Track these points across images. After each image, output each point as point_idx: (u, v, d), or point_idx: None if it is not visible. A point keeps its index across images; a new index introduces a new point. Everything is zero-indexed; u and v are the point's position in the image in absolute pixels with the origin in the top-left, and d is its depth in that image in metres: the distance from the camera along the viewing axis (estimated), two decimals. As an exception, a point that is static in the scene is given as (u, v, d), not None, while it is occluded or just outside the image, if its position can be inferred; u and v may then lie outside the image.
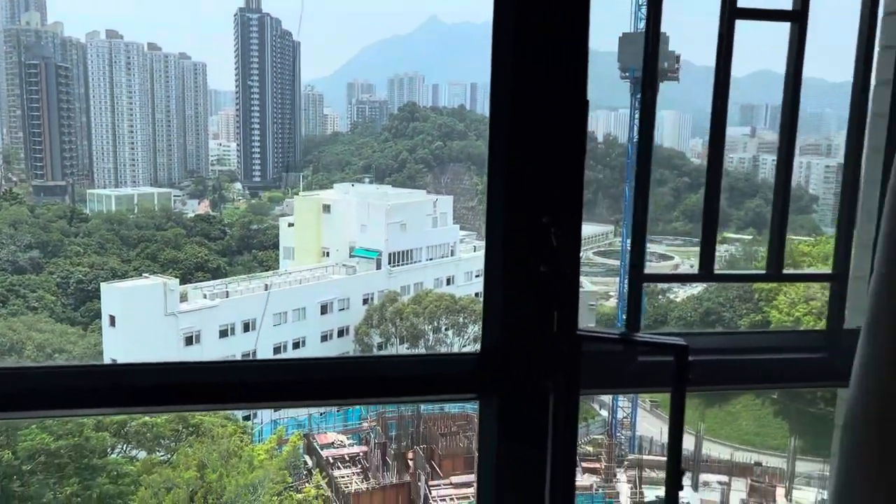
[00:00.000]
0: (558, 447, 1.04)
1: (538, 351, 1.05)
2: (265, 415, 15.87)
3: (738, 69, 1.23)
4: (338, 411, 15.55)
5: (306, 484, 13.41)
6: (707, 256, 1.19)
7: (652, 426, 18.06)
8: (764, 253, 1.19)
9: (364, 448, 15.05)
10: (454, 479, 14.06)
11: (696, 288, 17.62)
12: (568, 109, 1.00)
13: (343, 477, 13.96)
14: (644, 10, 1.19)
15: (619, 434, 17.74)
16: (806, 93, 1.23)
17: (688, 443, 15.97)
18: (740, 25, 1.12)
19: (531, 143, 1.03)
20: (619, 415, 18.00)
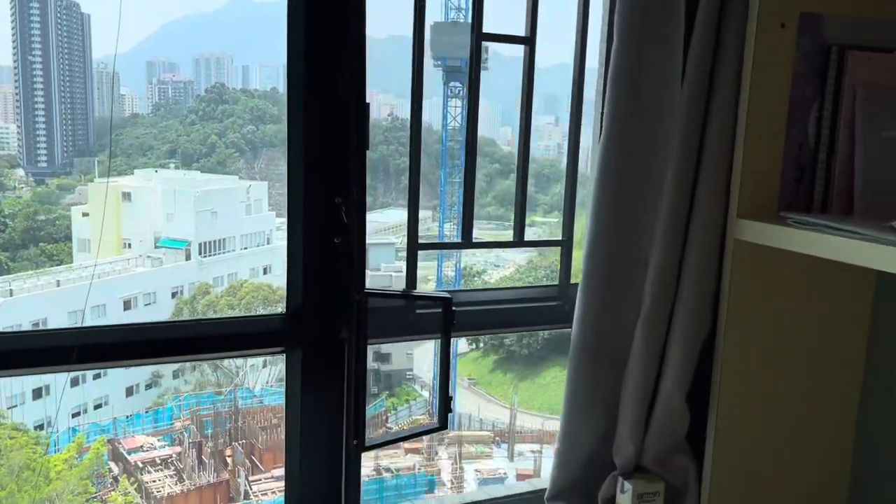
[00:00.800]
0: (352, 389, 1.30)
1: (334, 309, 1.30)
2: (62, 422, 14.74)
3: (542, 61, 1.53)
4: (146, 412, 14.79)
5: (112, 492, 12.71)
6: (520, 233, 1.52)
7: (470, 403, 19.16)
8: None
9: (178, 449, 14.51)
10: (275, 472, 14.04)
11: (508, 269, 18.81)
12: (352, 97, 1.24)
13: (154, 481, 13.40)
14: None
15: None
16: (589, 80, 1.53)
17: (504, 416, 17.21)
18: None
19: (323, 129, 1.26)
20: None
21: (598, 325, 1.37)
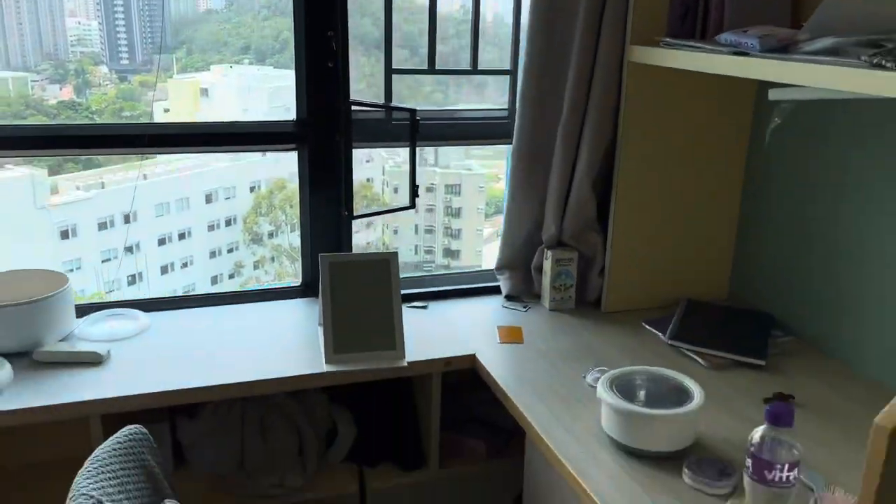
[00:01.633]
0: (342, 176, 1.82)
1: (330, 118, 1.81)
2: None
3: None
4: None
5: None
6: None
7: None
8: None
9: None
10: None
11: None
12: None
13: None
14: None
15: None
16: None
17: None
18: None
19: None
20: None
21: (532, 136, 1.83)
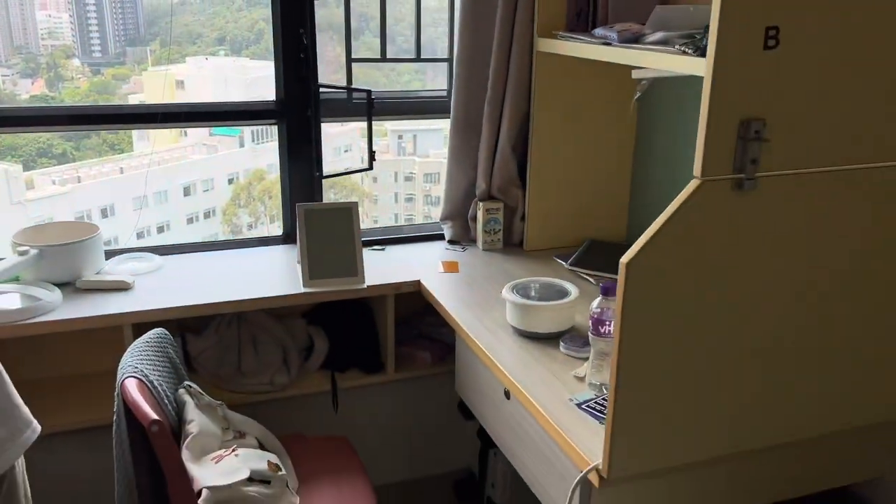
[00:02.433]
0: (314, 144, 2.30)
1: (303, 98, 2.28)
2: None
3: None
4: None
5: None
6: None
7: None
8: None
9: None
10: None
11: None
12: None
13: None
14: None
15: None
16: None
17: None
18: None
19: (293, -6, 2.20)
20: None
21: (465, 110, 2.32)
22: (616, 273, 1.18)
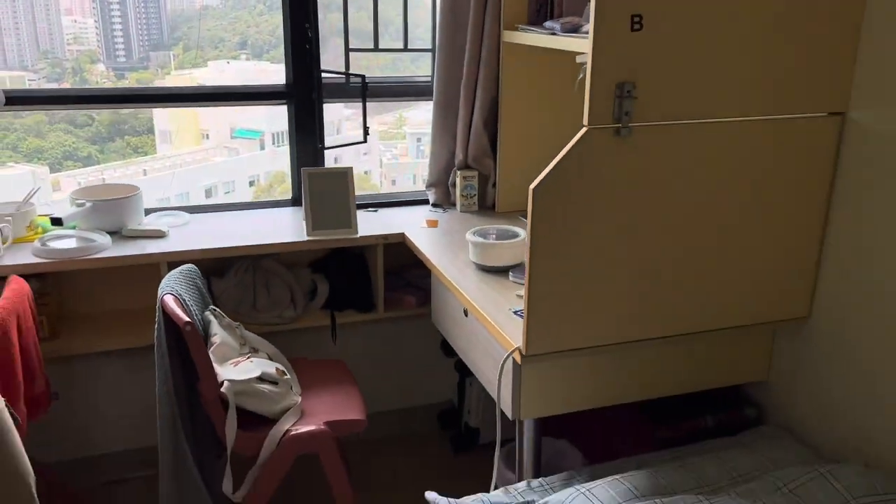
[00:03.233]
0: (317, 122, 2.76)
1: (308, 82, 2.74)
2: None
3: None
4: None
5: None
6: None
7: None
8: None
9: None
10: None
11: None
12: (316, -20, 2.64)
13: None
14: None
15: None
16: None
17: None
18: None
19: (300, -5, 2.66)
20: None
21: (445, 92, 2.76)
22: (524, 195, 1.61)
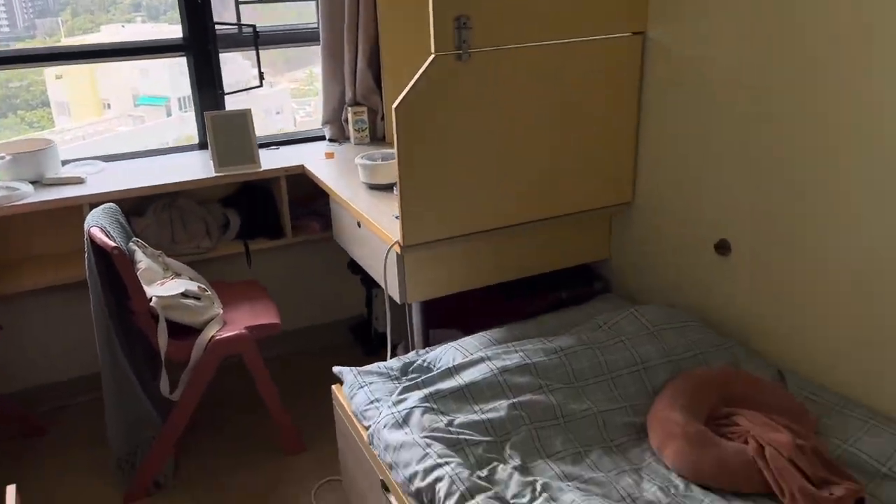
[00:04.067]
0: (215, 70, 3.04)
1: (204, 34, 3.02)
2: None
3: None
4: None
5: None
6: None
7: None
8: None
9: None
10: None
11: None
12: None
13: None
14: None
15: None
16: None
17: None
18: None
19: (189, -47, 2.92)
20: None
21: (331, 37, 3.09)
22: (386, 112, 1.99)
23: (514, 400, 1.83)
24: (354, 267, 3.14)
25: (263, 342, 2.58)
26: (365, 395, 1.96)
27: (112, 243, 2.28)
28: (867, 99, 1.66)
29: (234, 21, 3.06)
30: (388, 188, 2.58)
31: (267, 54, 3.15)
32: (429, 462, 1.65)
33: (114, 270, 2.34)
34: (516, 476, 1.64)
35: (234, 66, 3.75)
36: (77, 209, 2.67)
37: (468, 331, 2.75)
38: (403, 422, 1.79)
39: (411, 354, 2.21)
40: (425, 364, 2.05)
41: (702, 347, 2.01)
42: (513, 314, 2.54)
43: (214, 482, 2.56)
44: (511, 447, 1.75)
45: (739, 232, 2.05)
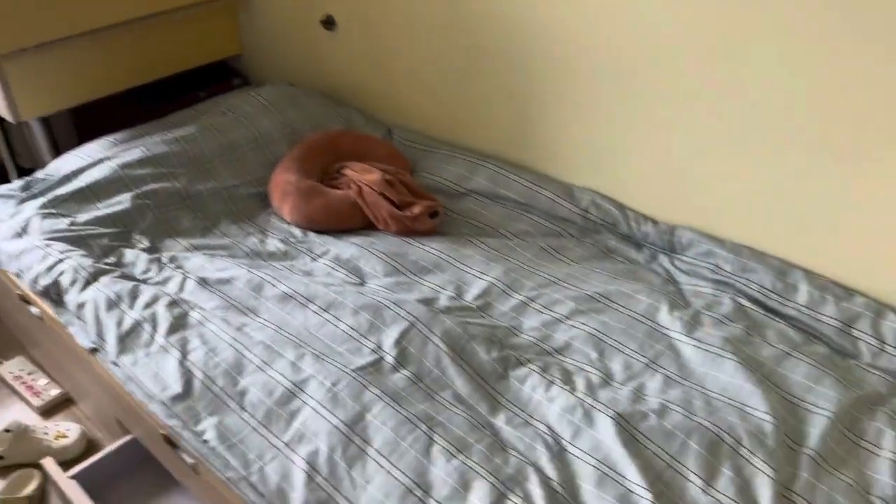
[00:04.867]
0: None
1: None
2: None
3: None
4: None
5: None
6: None
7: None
8: None
9: None
10: None
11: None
12: None
13: None
14: None
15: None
16: None
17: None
18: None
19: None
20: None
21: None
22: None
23: (138, 191, 1.89)
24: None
25: None
26: (-17, 220, 1.89)
27: None
28: None
29: None
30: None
31: None
32: (50, 260, 1.68)
33: None
34: (144, 255, 1.74)
35: None
36: None
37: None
38: (23, 231, 1.78)
39: (36, 174, 2.14)
40: (46, 178, 2.01)
41: (319, 117, 2.19)
42: (153, 118, 2.52)
43: None
44: (139, 233, 1.83)
45: (341, 7, 2.19)
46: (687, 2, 1.53)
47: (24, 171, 3.07)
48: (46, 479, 1.72)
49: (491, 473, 1.21)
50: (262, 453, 1.29)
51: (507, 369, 1.43)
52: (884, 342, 1.45)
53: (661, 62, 1.63)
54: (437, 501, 1.18)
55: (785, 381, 1.38)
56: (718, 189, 1.67)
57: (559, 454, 1.27)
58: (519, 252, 1.77)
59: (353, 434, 1.28)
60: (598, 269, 1.71)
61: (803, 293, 1.54)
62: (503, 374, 1.43)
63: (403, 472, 1.22)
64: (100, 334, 1.56)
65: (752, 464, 1.22)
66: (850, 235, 1.51)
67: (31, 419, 1.97)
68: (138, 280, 1.67)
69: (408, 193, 1.88)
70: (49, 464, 1.62)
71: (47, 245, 1.72)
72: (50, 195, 1.86)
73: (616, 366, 1.45)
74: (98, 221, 1.81)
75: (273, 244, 1.83)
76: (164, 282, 1.66)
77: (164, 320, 1.53)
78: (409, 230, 1.81)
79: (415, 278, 1.68)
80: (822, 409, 1.32)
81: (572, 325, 1.54)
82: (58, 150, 2.35)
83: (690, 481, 1.21)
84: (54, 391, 2.02)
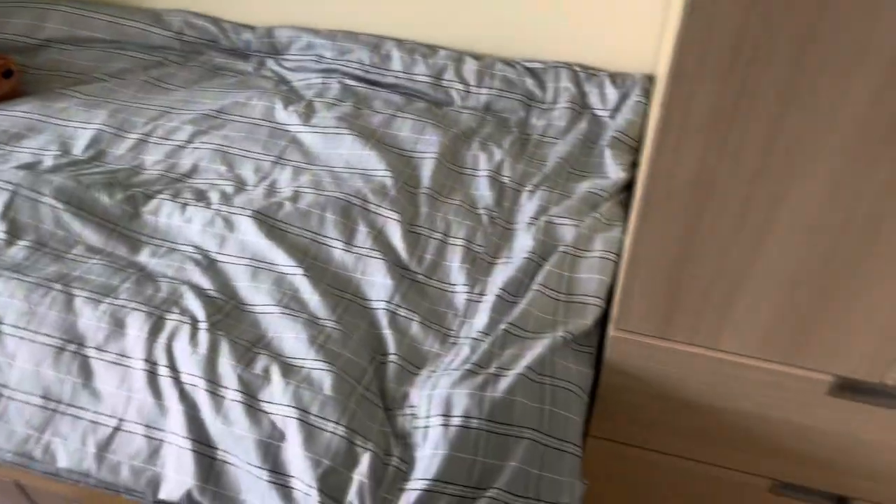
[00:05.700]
0: None
1: None
2: None
3: None
4: None
5: None
6: None
7: None
8: None
9: None
10: None
11: None
12: None
13: None
14: None
15: None
16: None
17: None
18: None
19: None
20: None
21: None
22: None
23: None
24: None
25: None
26: None
27: None
28: None
29: None
30: None
31: None
32: None
33: None
34: None
35: None
36: None
37: None
38: None
39: None
40: None
41: None
42: None
43: None
44: None
45: None
46: None
47: None
48: None
49: (144, 304, 1.20)
50: None
51: (138, 207, 1.39)
52: (468, 85, 1.64)
53: None
54: (95, 348, 1.15)
55: (395, 140, 1.52)
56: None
57: (210, 266, 1.29)
58: (121, 91, 1.65)
59: (-20, 320, 1.17)
60: (210, 88, 1.68)
61: (396, 60, 1.67)
62: (135, 213, 1.38)
63: (49, 335, 1.16)
64: None
65: (381, 215, 1.36)
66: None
67: None
68: None
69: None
70: None
71: None
72: None
73: (247, 172, 1.47)
74: None
75: None
76: None
77: None
78: (-16, 99, 1.59)
79: (9, 148, 1.50)
80: (428, 153, 1.49)
81: (195, 148, 1.51)
82: None
83: (333, 247, 1.32)
84: None
